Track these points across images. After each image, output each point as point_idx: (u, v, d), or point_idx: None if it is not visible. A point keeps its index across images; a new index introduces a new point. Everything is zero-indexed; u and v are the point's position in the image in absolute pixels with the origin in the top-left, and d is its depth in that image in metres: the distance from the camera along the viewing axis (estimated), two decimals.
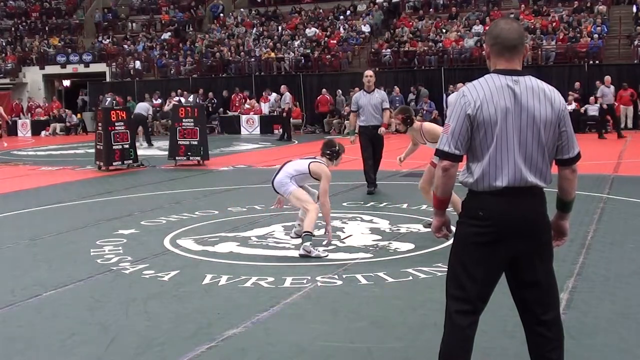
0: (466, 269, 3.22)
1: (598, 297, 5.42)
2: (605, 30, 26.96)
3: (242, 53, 31.19)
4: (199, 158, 15.98)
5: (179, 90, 27.98)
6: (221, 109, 28.70)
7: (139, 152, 16.98)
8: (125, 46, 35.19)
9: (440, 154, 3.21)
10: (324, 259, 6.80)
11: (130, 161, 15.59)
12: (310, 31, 31.83)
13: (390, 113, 10.92)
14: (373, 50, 29.47)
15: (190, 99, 17.64)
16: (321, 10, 34.02)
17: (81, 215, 9.66)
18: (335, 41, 30.54)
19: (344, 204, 9.87)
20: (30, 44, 36.85)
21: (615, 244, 7.14)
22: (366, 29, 31.21)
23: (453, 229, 3.39)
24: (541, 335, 3.26)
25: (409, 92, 26.25)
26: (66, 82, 37.70)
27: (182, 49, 33.36)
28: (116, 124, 15.32)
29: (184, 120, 15.92)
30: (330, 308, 5.32)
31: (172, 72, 32.19)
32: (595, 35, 26.03)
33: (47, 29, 38.18)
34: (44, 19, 38.97)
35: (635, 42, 25.40)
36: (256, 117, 27.85)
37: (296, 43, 31.08)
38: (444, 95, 24.76)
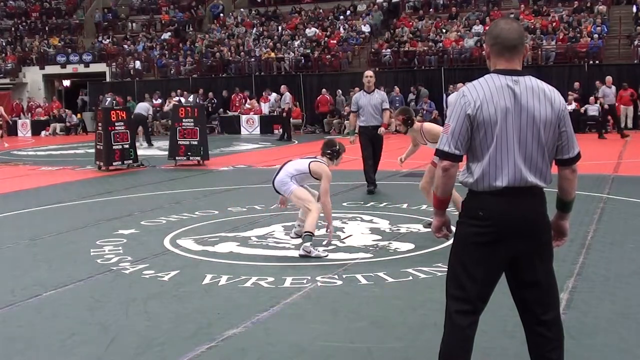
0: (466, 269, 3.22)
1: (598, 297, 5.42)
2: (605, 30, 26.95)
3: (242, 53, 31.19)
4: (199, 158, 15.98)
5: (179, 90, 27.97)
6: (221, 109, 28.70)
7: (139, 152, 16.98)
8: (125, 46, 35.20)
9: (440, 154, 3.21)
10: (324, 259, 6.79)
11: (130, 161, 15.59)
12: (310, 31, 31.83)
13: (390, 113, 10.93)
14: (373, 50, 29.46)
15: (190, 99, 17.66)
16: (321, 10, 34.01)
17: (81, 215, 9.66)
18: (335, 41, 30.53)
19: (344, 203, 9.87)
20: (30, 44, 36.86)
21: (615, 244, 7.14)
22: (366, 29, 31.20)
23: (453, 229, 3.39)
24: (541, 335, 3.26)
25: (409, 92, 26.24)
26: (66, 82, 37.70)
27: (182, 49, 33.36)
28: (116, 124, 15.33)
29: (184, 120, 15.92)
30: (330, 308, 5.31)
31: (172, 72, 32.19)
32: (595, 35, 26.02)
33: (47, 29, 38.19)
34: (44, 19, 38.98)
35: (635, 42, 25.40)
36: (256, 117, 27.84)
37: (296, 43, 31.07)
38: (444, 96, 24.75)
